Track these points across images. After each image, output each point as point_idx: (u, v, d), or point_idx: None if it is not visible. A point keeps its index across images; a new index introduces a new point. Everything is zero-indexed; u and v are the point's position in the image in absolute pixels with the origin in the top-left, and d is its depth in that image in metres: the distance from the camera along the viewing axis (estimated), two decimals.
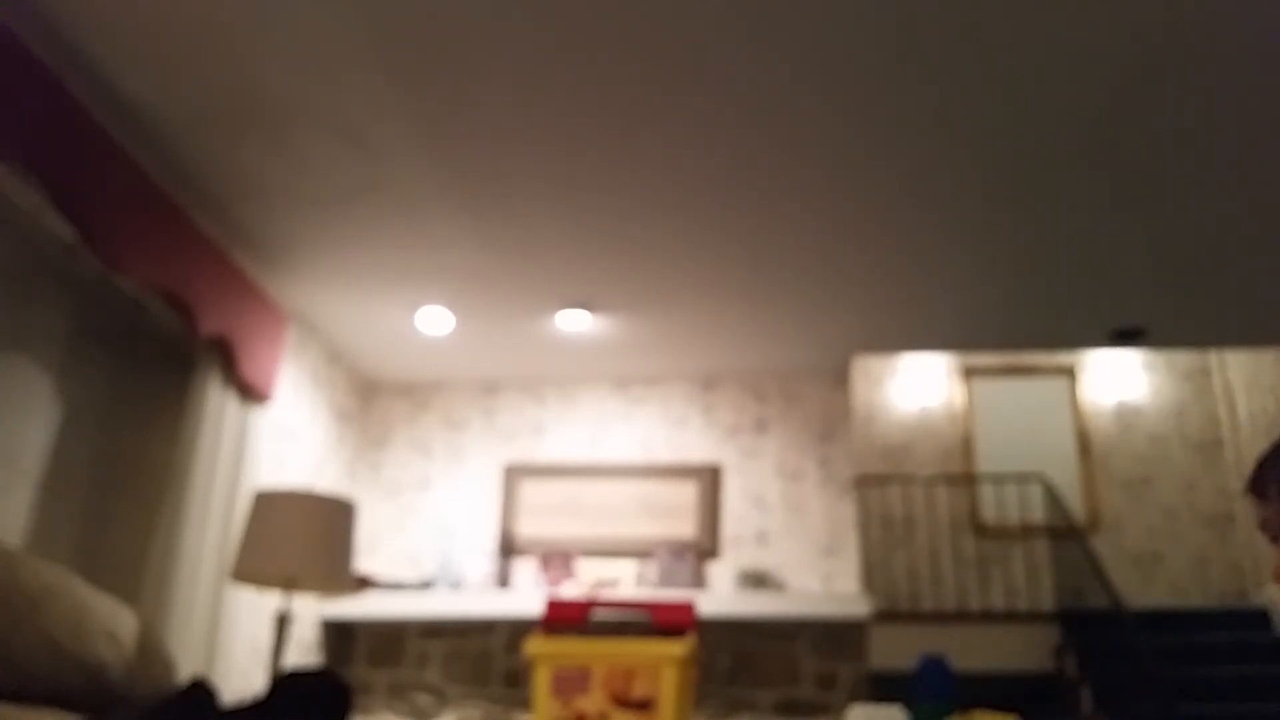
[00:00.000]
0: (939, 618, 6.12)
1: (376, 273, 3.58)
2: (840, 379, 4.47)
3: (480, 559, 4.16)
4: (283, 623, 2.89)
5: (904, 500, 7.04)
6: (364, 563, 4.18)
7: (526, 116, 2.69)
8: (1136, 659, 4.83)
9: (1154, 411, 7.30)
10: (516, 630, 4.02)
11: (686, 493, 4.31)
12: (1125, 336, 3.98)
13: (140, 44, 2.44)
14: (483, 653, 4.09)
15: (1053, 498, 6.71)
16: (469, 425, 4.55)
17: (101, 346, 2.97)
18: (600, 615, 2.68)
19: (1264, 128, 2.70)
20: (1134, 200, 3.06)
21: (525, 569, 4.20)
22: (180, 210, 2.98)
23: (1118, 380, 7.41)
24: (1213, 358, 7.27)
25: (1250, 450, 6.60)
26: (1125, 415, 7.32)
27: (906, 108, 2.64)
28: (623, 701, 2.54)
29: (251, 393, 3.33)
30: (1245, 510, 6.74)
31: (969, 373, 7.51)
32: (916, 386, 7.52)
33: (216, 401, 3.15)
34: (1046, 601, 6.65)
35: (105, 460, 2.96)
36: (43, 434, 2.71)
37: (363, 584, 3.94)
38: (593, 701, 2.54)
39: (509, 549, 4.26)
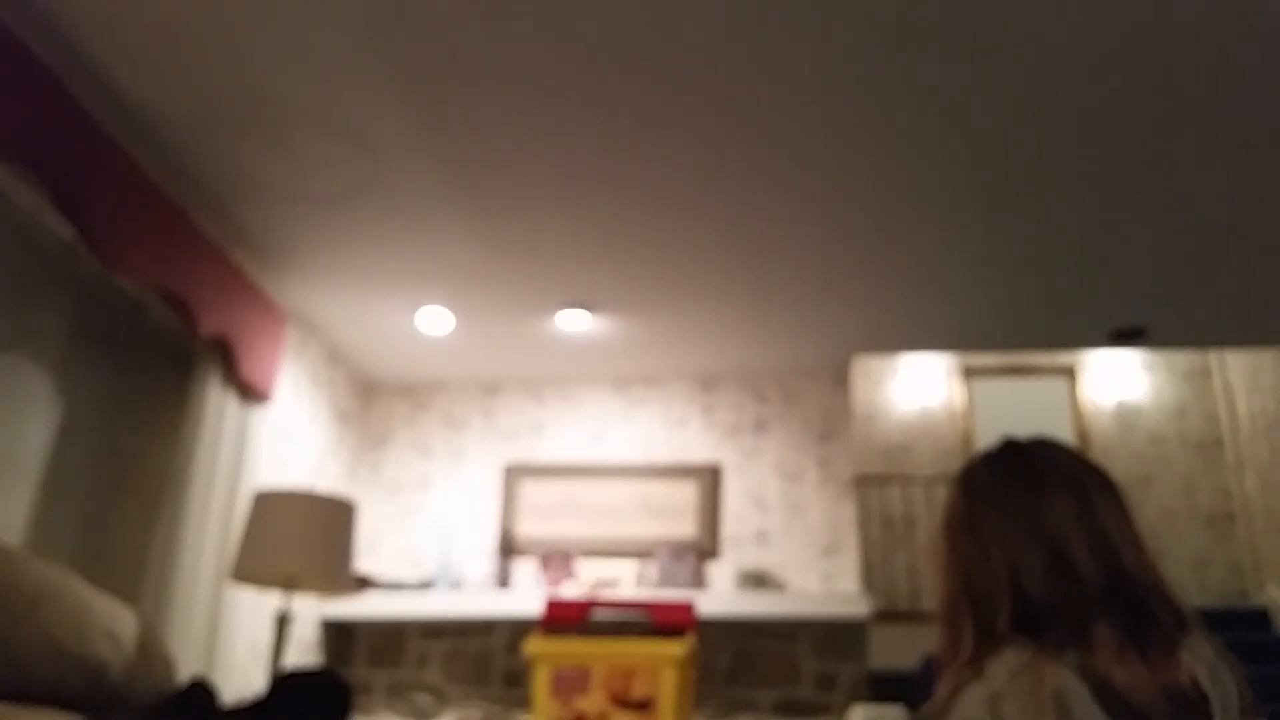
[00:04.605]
0: (940, 619, 6.11)
1: (376, 273, 3.58)
2: (840, 379, 4.47)
3: (480, 559, 4.16)
4: (283, 623, 2.89)
5: (904, 500, 7.03)
6: (364, 563, 4.18)
7: (527, 116, 2.69)
8: None
9: (1154, 411, 7.30)
10: (516, 630, 4.02)
11: (686, 493, 4.31)
12: (1125, 336, 3.98)
13: (140, 44, 2.44)
14: (483, 653, 4.09)
15: None
16: (469, 425, 4.55)
17: (101, 346, 2.97)
18: (600, 615, 2.68)
19: (1264, 127, 2.70)
20: (1134, 200, 3.05)
21: (525, 569, 4.20)
22: (180, 210, 2.98)
23: (1118, 380, 7.41)
24: (1213, 358, 7.26)
25: (1250, 450, 6.60)
26: (1125, 415, 7.32)
27: (907, 108, 2.64)
28: (622, 702, 2.54)
29: (251, 393, 3.33)
30: (1245, 510, 6.74)
31: (969, 373, 7.51)
32: (916, 386, 7.52)
33: (216, 401, 3.15)
34: None
35: (105, 460, 2.95)
36: (43, 434, 2.71)
37: (363, 584, 3.94)
38: (593, 701, 2.54)
39: (509, 549, 4.26)
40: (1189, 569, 6.79)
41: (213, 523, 3.07)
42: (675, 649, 2.57)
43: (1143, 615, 1.13)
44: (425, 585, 4.07)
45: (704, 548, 4.19)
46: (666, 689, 2.53)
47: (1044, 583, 1.17)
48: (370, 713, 4.04)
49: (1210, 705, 1.07)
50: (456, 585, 4.05)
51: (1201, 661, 1.10)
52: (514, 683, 4.03)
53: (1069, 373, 7.45)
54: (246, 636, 3.33)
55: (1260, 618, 6.07)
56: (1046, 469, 1.27)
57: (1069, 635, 1.11)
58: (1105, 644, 1.09)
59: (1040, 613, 1.15)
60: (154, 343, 3.15)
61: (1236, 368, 6.83)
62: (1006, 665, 1.10)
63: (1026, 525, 1.22)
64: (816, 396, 4.46)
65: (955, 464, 7.25)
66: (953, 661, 1.21)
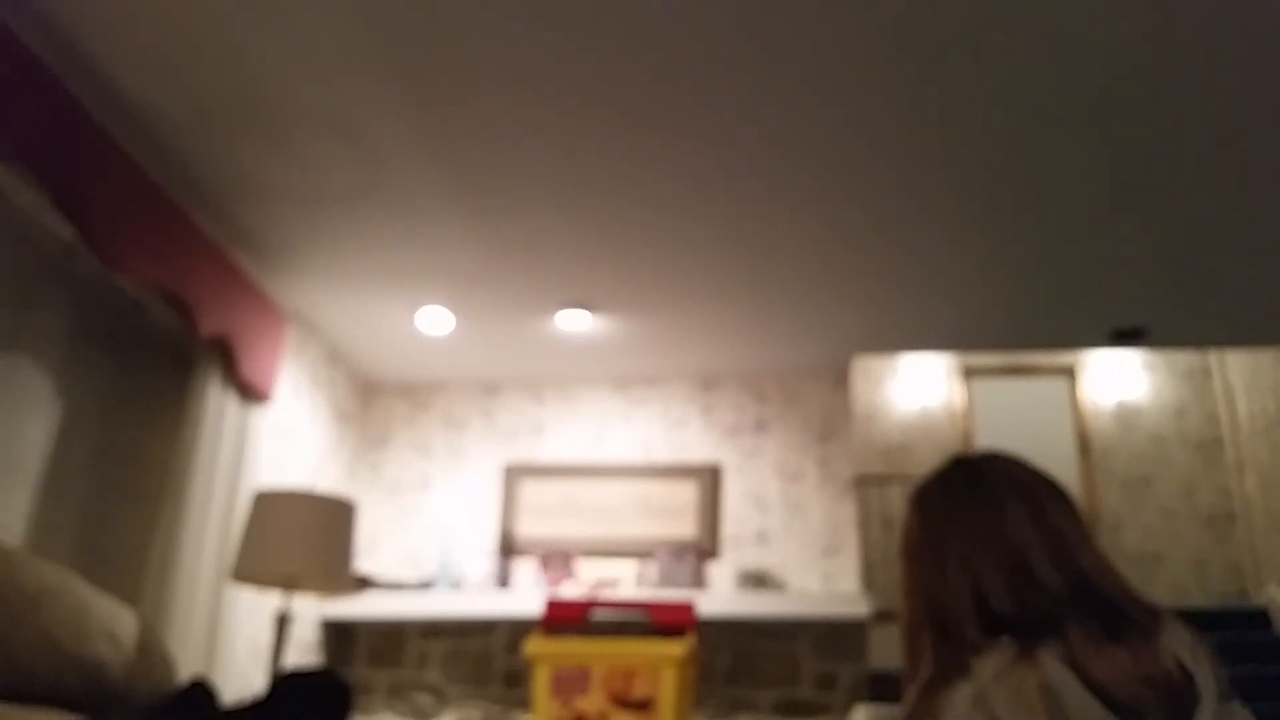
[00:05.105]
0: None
1: (376, 273, 3.58)
2: (840, 379, 4.47)
3: (480, 559, 4.16)
4: (283, 623, 2.89)
5: (904, 500, 7.02)
6: (364, 563, 4.18)
7: (527, 116, 2.69)
8: None
9: (1154, 411, 7.30)
10: (516, 630, 4.02)
11: (686, 493, 4.31)
12: (1125, 336, 3.98)
13: (140, 44, 2.44)
14: (483, 653, 4.09)
15: None
16: (469, 425, 4.55)
17: (101, 346, 2.97)
18: (600, 615, 2.68)
19: (1264, 127, 2.70)
20: (1134, 200, 3.05)
21: (525, 569, 4.20)
22: (180, 210, 2.98)
23: (1118, 380, 7.41)
24: (1213, 358, 7.26)
25: (1250, 450, 6.60)
26: (1125, 415, 7.31)
27: (906, 108, 2.64)
28: (623, 701, 2.54)
29: (251, 393, 3.33)
30: (1245, 510, 6.74)
31: (969, 373, 7.51)
32: (916, 386, 7.52)
33: (216, 401, 3.15)
34: None
35: (105, 460, 2.96)
36: (43, 434, 2.71)
37: (363, 584, 3.94)
38: (593, 701, 2.54)
39: (509, 549, 4.26)
40: (1189, 569, 6.79)
41: (213, 523, 3.07)
42: (675, 649, 2.57)
43: (1112, 612, 1.14)
44: (425, 585, 4.06)
45: (704, 548, 4.18)
46: (666, 689, 2.53)
47: (1007, 594, 1.17)
48: (370, 713, 4.04)
49: (1197, 686, 1.08)
50: (456, 585, 4.05)
51: (1182, 645, 1.11)
52: (514, 683, 4.02)
53: (1069, 373, 7.45)
54: (246, 636, 3.33)
55: (1260, 618, 6.07)
56: (998, 481, 1.28)
57: (1045, 635, 1.11)
58: (1081, 641, 1.09)
59: (1008, 623, 1.15)
60: (154, 343, 3.15)
61: (1236, 368, 6.83)
62: (991, 663, 1.11)
63: (984, 539, 1.23)
64: (816, 396, 4.46)
65: None
66: (913, 680, 1.21)
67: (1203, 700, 1.07)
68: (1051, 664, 1.07)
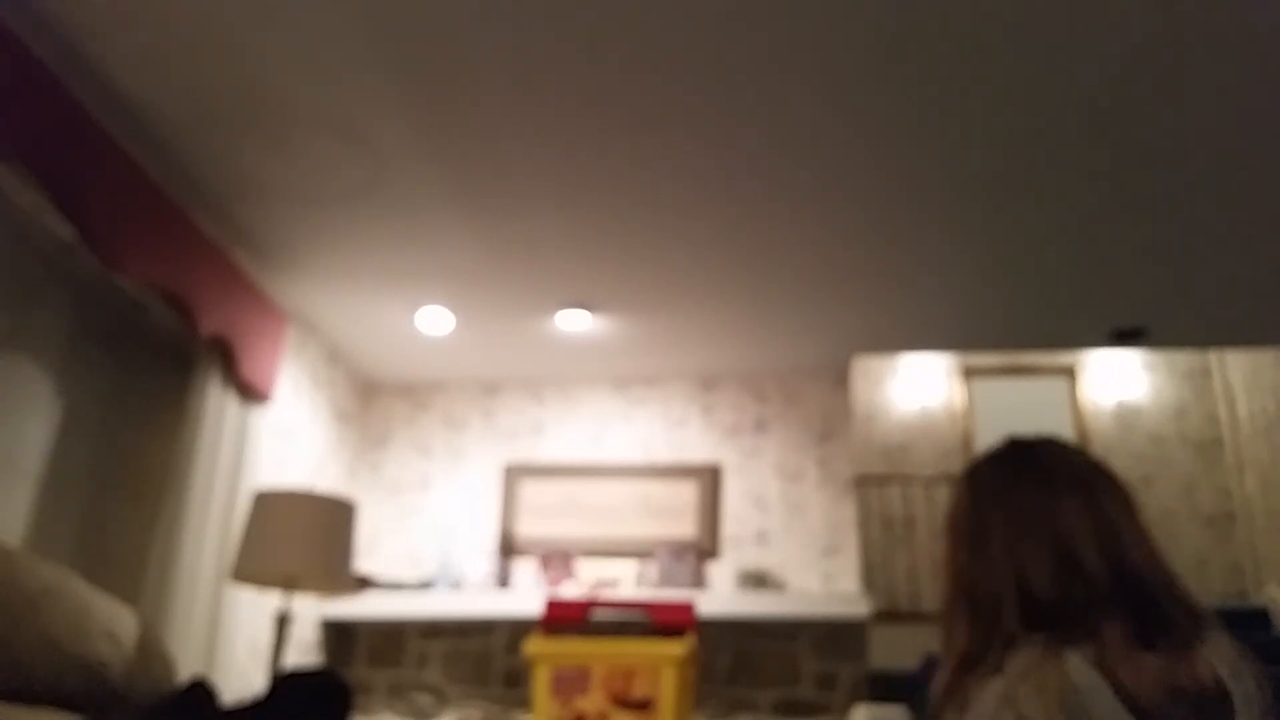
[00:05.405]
0: (940, 618, 6.09)
1: (376, 273, 3.58)
2: (840, 379, 4.47)
3: (480, 559, 4.16)
4: (283, 623, 2.89)
5: (904, 500, 7.03)
6: (364, 563, 4.18)
7: (527, 116, 2.69)
8: None
9: (1154, 411, 7.30)
10: (516, 630, 4.02)
11: (686, 493, 4.31)
12: (1125, 336, 3.98)
13: (140, 44, 2.44)
14: (483, 653, 4.09)
15: None
16: (469, 425, 4.55)
17: (101, 346, 2.97)
18: (600, 615, 2.68)
19: (1264, 127, 2.70)
20: (1134, 200, 3.05)
21: (525, 569, 4.20)
22: (180, 210, 2.98)
23: (1118, 380, 7.41)
24: (1213, 358, 7.26)
25: (1250, 450, 6.60)
26: (1125, 415, 7.32)
27: (906, 108, 2.64)
28: (622, 701, 2.54)
29: (251, 393, 3.33)
30: (1245, 510, 6.74)
31: (969, 373, 7.51)
32: (916, 386, 7.52)
33: (216, 401, 3.15)
34: None
35: (105, 460, 2.96)
36: (43, 434, 2.71)
37: (363, 584, 3.94)
38: (592, 701, 2.54)
39: (509, 549, 4.26)
40: (1189, 569, 6.79)
41: (213, 523, 3.07)
42: (675, 649, 2.57)
43: (1154, 613, 1.11)
44: (425, 585, 4.06)
45: (704, 548, 4.18)
46: (666, 689, 2.53)
47: (1051, 583, 1.15)
48: (370, 713, 4.04)
49: (1232, 702, 1.05)
50: (456, 585, 4.05)
51: (1223, 658, 1.08)
52: (514, 683, 4.02)
53: (1069, 373, 7.46)
54: (246, 636, 3.33)
55: (1260, 618, 6.07)
56: (1053, 468, 1.26)
57: (1080, 633, 1.09)
58: (1113, 641, 1.07)
59: (1048, 612, 1.13)
60: (154, 343, 3.15)
61: (1236, 368, 6.83)
62: (1021, 661, 1.09)
63: (1034, 525, 1.21)
64: (816, 396, 4.46)
65: (955, 464, 7.25)
66: (949, 658, 1.20)
67: (1238, 717, 1.05)
68: (1078, 665, 1.05)
